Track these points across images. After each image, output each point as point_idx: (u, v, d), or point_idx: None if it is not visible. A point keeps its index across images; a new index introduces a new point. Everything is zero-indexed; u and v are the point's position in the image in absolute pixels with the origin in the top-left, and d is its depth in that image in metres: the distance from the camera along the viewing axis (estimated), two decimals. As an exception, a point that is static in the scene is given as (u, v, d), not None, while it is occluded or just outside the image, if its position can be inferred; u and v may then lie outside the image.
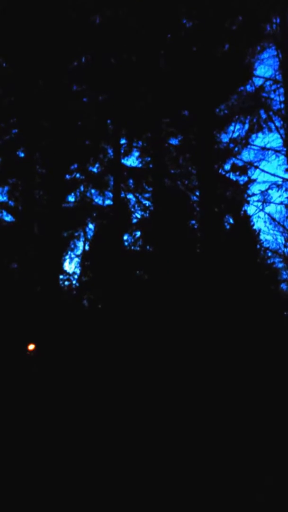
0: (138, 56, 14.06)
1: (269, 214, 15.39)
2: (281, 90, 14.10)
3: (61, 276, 14.50)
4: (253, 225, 14.53)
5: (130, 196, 14.96)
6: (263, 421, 9.19)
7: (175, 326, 12.15)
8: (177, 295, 12.65)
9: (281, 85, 14.12)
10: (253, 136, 14.47)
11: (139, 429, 9.35)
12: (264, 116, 14.24)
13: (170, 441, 8.75)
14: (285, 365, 10.84)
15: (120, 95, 13.80)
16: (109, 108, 14.14)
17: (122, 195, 14.46)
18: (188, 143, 14.41)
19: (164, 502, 6.65)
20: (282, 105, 14.06)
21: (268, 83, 14.37)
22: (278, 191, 14.43)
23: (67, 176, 14.41)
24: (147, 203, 14.90)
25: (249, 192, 14.58)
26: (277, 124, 14.20)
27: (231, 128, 14.49)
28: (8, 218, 14.64)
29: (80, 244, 15.77)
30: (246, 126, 14.37)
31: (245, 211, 14.51)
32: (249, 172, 14.46)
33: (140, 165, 14.87)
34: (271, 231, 15.69)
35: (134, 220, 14.96)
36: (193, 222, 14.39)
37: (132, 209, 14.95)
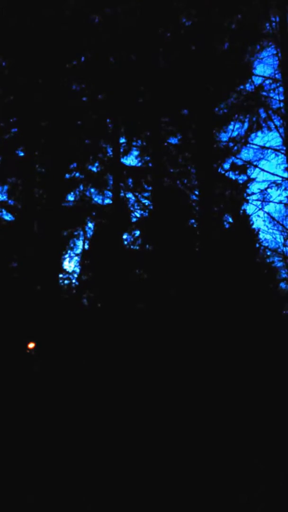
0: (137, 55, 14.07)
1: (268, 213, 15.36)
2: (281, 89, 14.05)
3: (60, 275, 14.52)
4: (252, 224, 14.58)
5: (129, 195, 14.97)
6: (263, 421, 9.25)
7: (174, 325, 12.21)
8: (176, 294, 12.70)
9: (280, 84, 14.08)
10: (253, 135, 14.45)
11: (139, 426, 9.40)
12: (263, 115, 14.21)
13: (170, 441, 8.80)
14: (284, 364, 10.90)
15: (120, 94, 13.81)
16: (108, 107, 14.14)
17: (122, 194, 14.47)
18: (187, 142, 14.42)
19: (164, 502, 6.70)
20: (282, 104, 14.02)
21: (267, 82, 14.35)
22: (277, 190, 14.43)
23: (67, 175, 14.43)
24: (146, 202, 14.91)
25: (249, 191, 14.57)
26: (277, 123, 14.16)
27: (231, 127, 14.44)
28: (7, 217, 14.66)
29: (80, 243, 15.77)
30: (246, 125, 14.35)
31: (244, 210, 14.54)
32: (248, 171, 14.46)
33: (139, 164, 14.86)
34: (270, 230, 15.68)
35: (134, 219, 14.97)
36: (192, 221, 14.42)
37: (132, 208, 14.95)
